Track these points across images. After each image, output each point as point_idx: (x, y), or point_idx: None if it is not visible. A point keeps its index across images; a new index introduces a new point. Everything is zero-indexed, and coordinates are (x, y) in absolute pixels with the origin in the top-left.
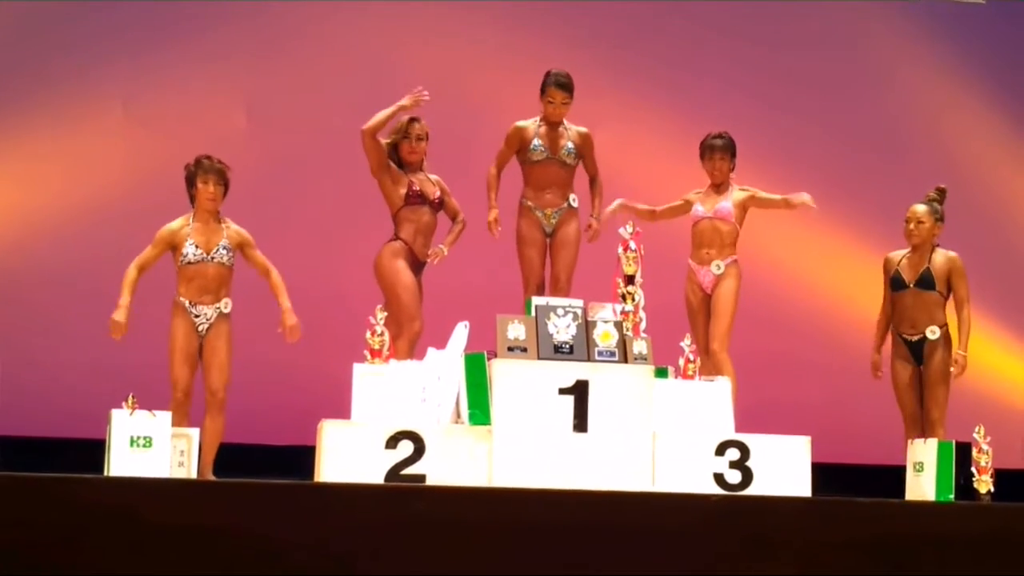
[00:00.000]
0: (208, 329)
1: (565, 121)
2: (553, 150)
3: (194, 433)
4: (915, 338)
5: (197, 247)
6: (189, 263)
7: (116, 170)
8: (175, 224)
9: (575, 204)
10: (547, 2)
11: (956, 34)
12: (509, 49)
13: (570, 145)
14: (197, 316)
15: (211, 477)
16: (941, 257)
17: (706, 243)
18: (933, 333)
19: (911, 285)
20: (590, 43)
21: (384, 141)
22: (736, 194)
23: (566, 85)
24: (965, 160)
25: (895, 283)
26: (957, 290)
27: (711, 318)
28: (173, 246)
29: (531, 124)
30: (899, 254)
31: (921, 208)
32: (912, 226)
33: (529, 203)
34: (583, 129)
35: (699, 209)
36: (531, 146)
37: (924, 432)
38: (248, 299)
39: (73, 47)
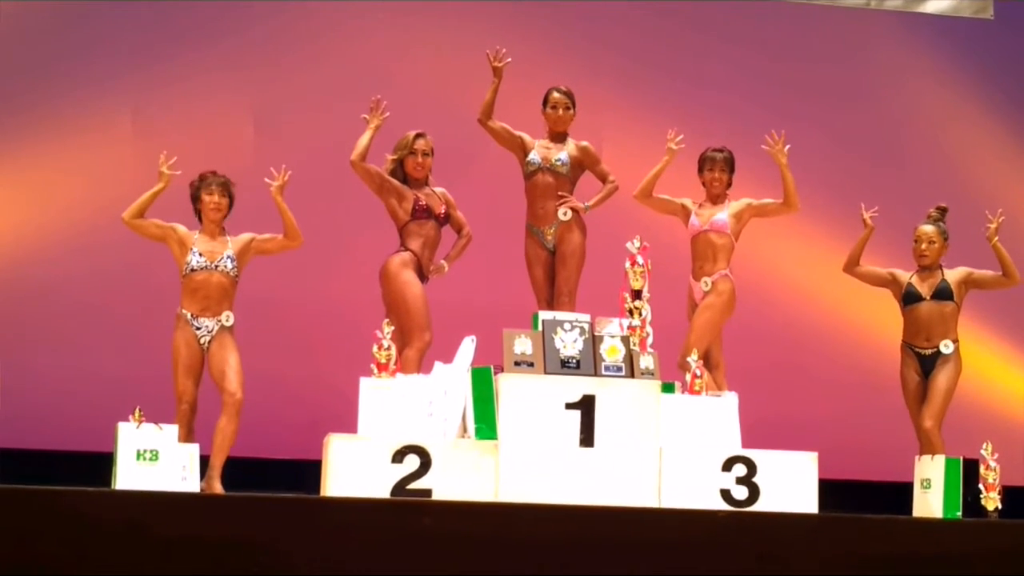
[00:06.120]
0: (211, 341)
1: (569, 138)
2: (545, 160)
3: (194, 449)
4: (929, 351)
5: (202, 255)
6: (193, 270)
7: (124, 182)
8: (185, 228)
9: (565, 217)
10: (549, 12)
11: (960, 45)
12: (515, 60)
13: (563, 156)
14: (199, 329)
15: (218, 482)
16: (953, 271)
17: (700, 257)
18: (947, 347)
19: (928, 297)
20: (591, 52)
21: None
22: (732, 205)
23: (567, 92)
24: (968, 172)
25: (908, 297)
26: (986, 279)
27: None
28: (178, 241)
29: (534, 140)
30: (907, 273)
31: (931, 228)
32: (924, 247)
33: (529, 222)
34: (583, 143)
35: (695, 222)
36: (528, 158)
37: (919, 442)
38: (251, 315)
39: (81, 57)
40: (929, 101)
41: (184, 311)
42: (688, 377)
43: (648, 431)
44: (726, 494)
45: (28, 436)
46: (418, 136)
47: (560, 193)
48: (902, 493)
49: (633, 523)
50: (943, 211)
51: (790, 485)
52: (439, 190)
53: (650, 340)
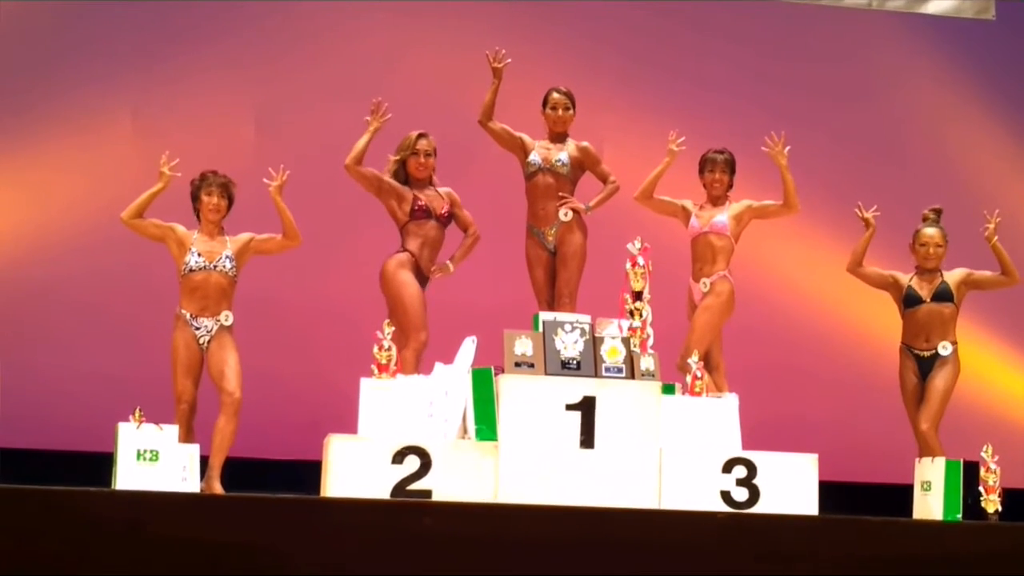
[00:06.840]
0: (210, 341)
1: (569, 138)
2: (546, 161)
3: (194, 449)
4: (927, 353)
5: (200, 255)
6: (192, 270)
7: (124, 181)
8: (184, 228)
9: (566, 218)
10: (549, 12)
11: (961, 46)
12: (516, 59)
13: (563, 156)
14: (198, 328)
15: (218, 482)
16: (952, 273)
17: (700, 258)
18: (945, 349)
19: (928, 299)
20: (592, 53)
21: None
22: (733, 207)
23: (567, 93)
24: (969, 172)
25: (909, 299)
26: (985, 279)
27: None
28: (177, 241)
29: (534, 140)
30: (906, 275)
31: (936, 232)
32: (931, 250)
33: (529, 223)
34: (584, 143)
35: (695, 223)
36: (529, 159)
37: (918, 444)
38: (250, 315)
39: (81, 57)
40: (930, 102)
41: (183, 311)
42: (688, 378)
43: (648, 432)
44: (726, 496)
45: (28, 436)
46: (420, 136)
47: (561, 194)
48: (902, 495)
49: (633, 524)
50: (939, 212)
51: (790, 487)
52: (444, 190)
53: (651, 341)
